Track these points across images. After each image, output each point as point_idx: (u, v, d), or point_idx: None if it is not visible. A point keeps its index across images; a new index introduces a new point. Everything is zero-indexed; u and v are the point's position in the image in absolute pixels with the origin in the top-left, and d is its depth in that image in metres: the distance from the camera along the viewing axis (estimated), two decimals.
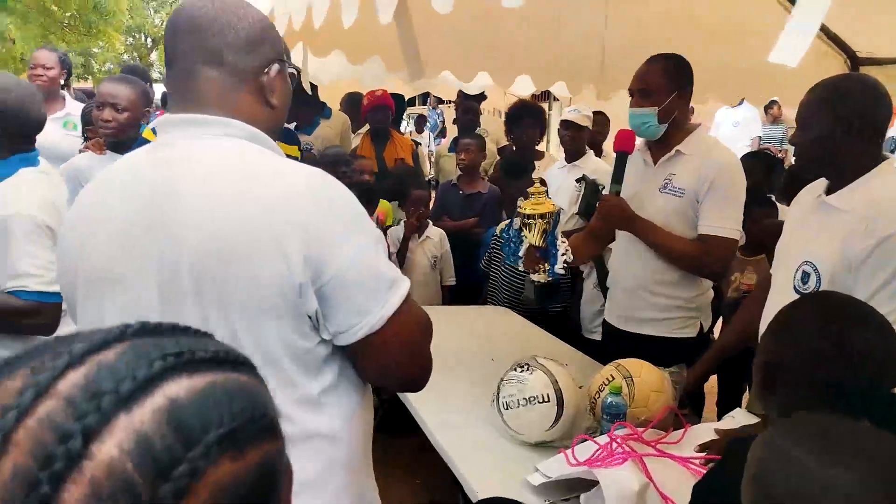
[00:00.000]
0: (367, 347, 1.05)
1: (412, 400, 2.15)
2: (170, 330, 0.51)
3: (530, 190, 2.21)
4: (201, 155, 1.03)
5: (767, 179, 3.53)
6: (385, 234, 3.58)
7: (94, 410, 0.42)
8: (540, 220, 2.17)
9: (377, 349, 1.06)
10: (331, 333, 1.04)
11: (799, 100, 3.84)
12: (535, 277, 2.22)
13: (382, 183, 3.92)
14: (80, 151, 2.94)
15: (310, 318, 1.01)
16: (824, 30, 3.95)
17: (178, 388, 0.45)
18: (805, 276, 1.74)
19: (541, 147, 3.82)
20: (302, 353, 1.03)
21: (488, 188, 3.93)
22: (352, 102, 5.00)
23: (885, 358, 1.03)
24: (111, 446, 0.41)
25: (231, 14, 1.07)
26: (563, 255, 2.19)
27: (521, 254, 2.25)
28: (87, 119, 3.17)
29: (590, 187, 3.07)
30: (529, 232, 2.19)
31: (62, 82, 3.74)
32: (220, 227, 0.97)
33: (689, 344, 2.27)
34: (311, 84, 4.38)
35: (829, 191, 1.74)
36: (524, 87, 3.99)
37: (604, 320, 2.59)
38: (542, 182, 2.22)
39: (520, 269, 2.30)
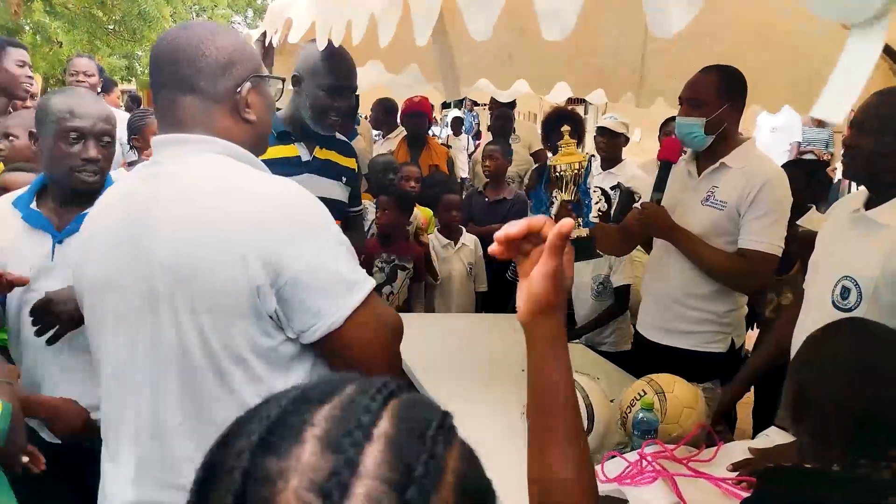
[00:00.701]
0: (330, 346, 1.12)
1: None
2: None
3: (560, 143, 2.21)
4: (182, 171, 1.14)
5: (808, 189, 3.45)
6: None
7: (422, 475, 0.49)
8: (570, 171, 2.17)
9: (339, 348, 1.13)
10: (294, 333, 1.11)
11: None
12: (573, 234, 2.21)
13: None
14: (139, 159, 3.06)
15: (271, 317, 1.09)
16: None
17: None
18: (845, 292, 1.71)
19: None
20: (267, 351, 1.10)
21: (514, 194, 3.94)
22: (386, 109, 5.05)
23: None
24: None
25: (201, 42, 1.17)
26: (596, 203, 2.17)
27: (552, 213, 2.24)
28: (133, 128, 3.26)
29: (625, 195, 3.06)
30: (561, 189, 2.20)
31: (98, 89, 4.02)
32: (190, 237, 1.07)
33: (718, 359, 2.25)
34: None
35: (869, 204, 1.71)
36: (559, 93, 3.98)
37: (636, 330, 2.59)
38: (571, 134, 2.23)
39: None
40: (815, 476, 1.01)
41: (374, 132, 5.38)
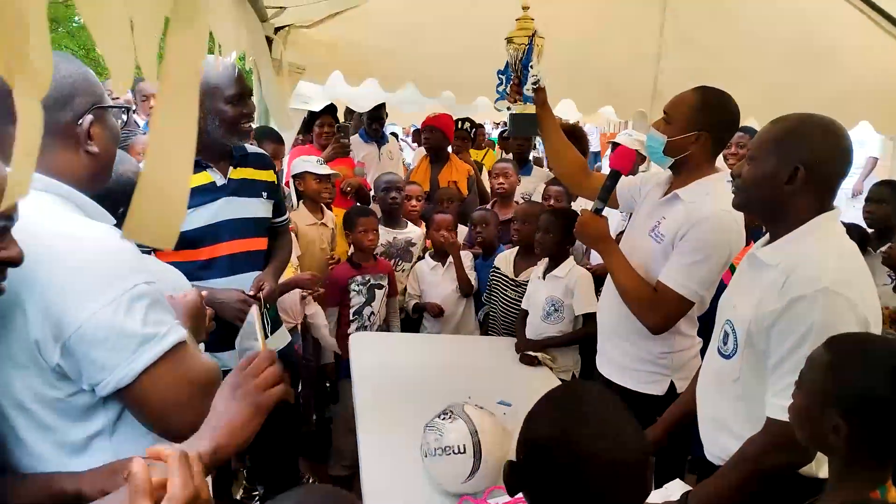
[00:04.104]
0: (125, 401, 1.10)
1: (359, 430, 2.17)
2: None
3: (518, 17, 2.18)
4: None
5: None
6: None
7: None
8: (516, 44, 2.15)
9: (133, 404, 1.10)
10: (87, 385, 1.08)
11: (891, 122, 3.44)
12: (514, 109, 2.22)
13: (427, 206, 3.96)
14: None
15: (55, 370, 1.06)
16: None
17: None
18: (725, 337, 1.57)
19: None
20: (54, 402, 1.08)
21: None
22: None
23: (608, 462, 0.91)
24: None
25: None
26: (531, 77, 2.15)
27: (503, 88, 2.23)
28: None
29: None
30: (515, 69, 2.20)
31: None
32: None
33: (652, 402, 2.08)
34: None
35: (768, 243, 1.56)
36: (566, 111, 3.88)
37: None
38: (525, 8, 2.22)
39: (509, 108, 2.28)
40: None
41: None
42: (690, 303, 1.95)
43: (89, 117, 1.19)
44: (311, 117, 4.69)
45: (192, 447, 0.95)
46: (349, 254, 3.36)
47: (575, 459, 0.91)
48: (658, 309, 1.98)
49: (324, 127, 4.43)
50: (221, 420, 1.01)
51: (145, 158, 0.53)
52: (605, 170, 2.34)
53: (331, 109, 4.64)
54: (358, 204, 4.07)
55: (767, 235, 1.59)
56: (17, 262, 0.96)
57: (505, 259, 3.19)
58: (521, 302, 2.99)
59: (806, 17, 3.37)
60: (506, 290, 3.13)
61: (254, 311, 1.35)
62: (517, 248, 3.19)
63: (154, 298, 1.12)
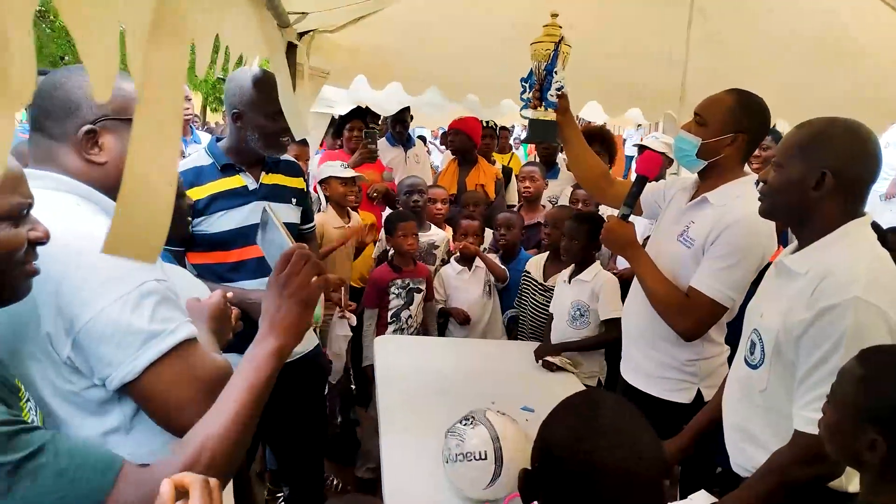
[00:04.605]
0: (134, 396, 1.11)
1: (382, 433, 2.17)
2: None
3: (545, 24, 2.16)
4: None
5: None
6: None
7: None
8: (541, 50, 2.13)
9: (140, 399, 1.12)
10: (98, 380, 1.10)
11: None
12: (532, 114, 2.22)
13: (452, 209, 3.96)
14: None
15: (66, 364, 1.09)
16: None
17: None
18: (752, 347, 1.53)
19: None
20: (69, 395, 1.11)
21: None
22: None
23: (625, 472, 0.89)
24: None
25: (49, 83, 1.20)
26: (555, 83, 2.14)
27: (527, 95, 2.22)
28: None
29: None
30: (538, 76, 2.19)
31: None
32: None
33: (678, 410, 2.04)
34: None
35: (796, 251, 1.53)
36: (592, 113, 3.83)
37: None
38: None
39: (527, 114, 2.26)
40: None
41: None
42: (724, 308, 1.92)
43: (85, 128, 1.21)
44: (342, 121, 4.72)
45: (258, 349, 1.07)
46: (376, 256, 3.37)
47: (590, 469, 0.90)
48: (690, 314, 1.95)
49: (353, 131, 4.46)
50: (277, 320, 1.10)
51: (125, 170, 0.52)
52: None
53: (360, 114, 4.66)
54: (387, 208, 4.10)
55: (795, 242, 1.55)
56: (45, 241, 1.01)
57: (535, 263, 3.17)
58: (549, 307, 2.98)
59: (835, 14, 3.28)
60: (535, 295, 3.12)
61: (267, 208, 1.37)
62: (547, 252, 3.18)
63: (163, 296, 1.14)
